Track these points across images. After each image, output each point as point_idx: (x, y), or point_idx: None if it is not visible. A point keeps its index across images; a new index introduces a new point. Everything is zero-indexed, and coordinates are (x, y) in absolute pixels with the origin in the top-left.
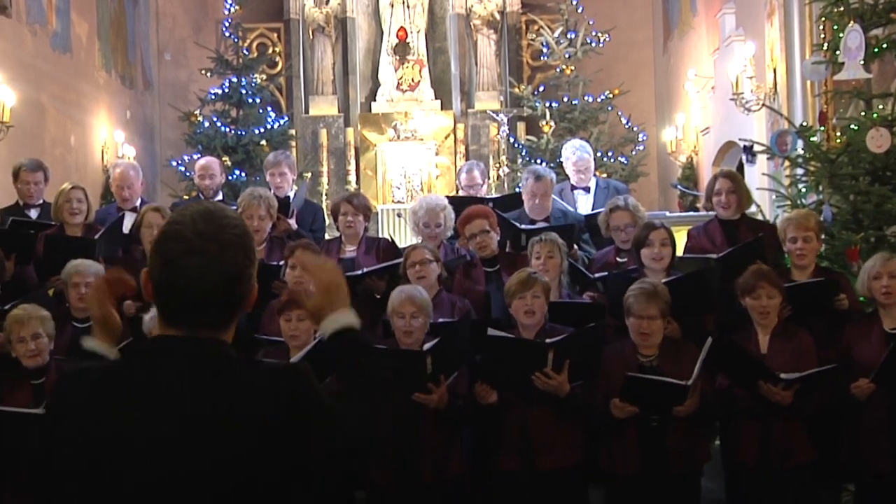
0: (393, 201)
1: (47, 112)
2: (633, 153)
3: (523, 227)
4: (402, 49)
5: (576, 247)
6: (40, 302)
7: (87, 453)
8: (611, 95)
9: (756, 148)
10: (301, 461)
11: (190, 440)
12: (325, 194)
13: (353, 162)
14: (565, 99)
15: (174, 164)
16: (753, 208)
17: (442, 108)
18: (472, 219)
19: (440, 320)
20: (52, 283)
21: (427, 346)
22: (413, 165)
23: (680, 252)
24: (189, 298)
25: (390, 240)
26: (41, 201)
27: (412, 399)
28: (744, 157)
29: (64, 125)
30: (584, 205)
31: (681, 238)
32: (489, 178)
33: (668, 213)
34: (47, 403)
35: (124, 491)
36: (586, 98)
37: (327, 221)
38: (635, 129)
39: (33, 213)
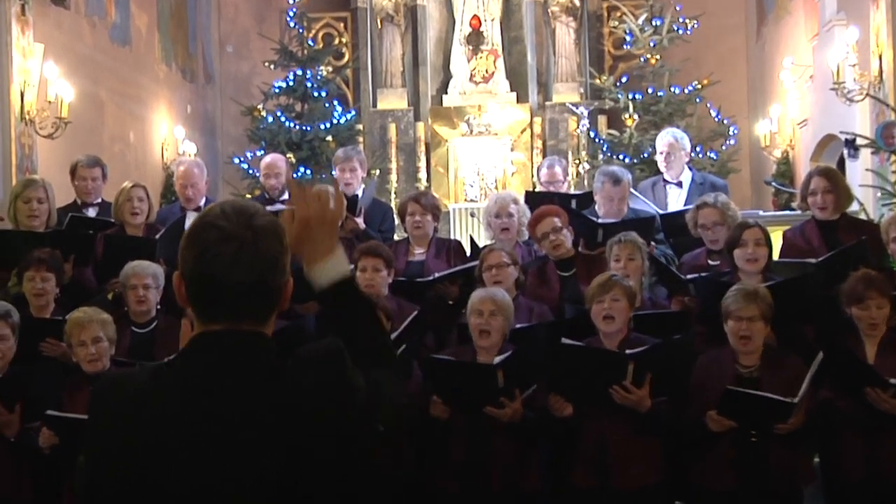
0: (465, 200)
1: (106, 107)
2: (724, 148)
3: (600, 221)
4: (475, 38)
5: (652, 243)
6: (100, 306)
7: (133, 460)
8: (699, 86)
9: (859, 141)
10: (347, 451)
11: (237, 438)
12: (394, 192)
13: (423, 158)
14: (650, 90)
15: (237, 161)
16: (855, 206)
17: (518, 101)
18: (542, 218)
19: (517, 326)
20: (111, 287)
21: (498, 359)
22: (487, 162)
23: (775, 255)
24: (225, 288)
25: (471, 240)
26: (99, 200)
27: (483, 412)
28: (845, 152)
29: (123, 121)
30: (675, 201)
31: (776, 239)
32: (568, 175)
33: (761, 213)
34: (89, 416)
35: (172, 496)
36: (672, 89)
37: (396, 221)
38: (726, 122)
39: (91, 213)
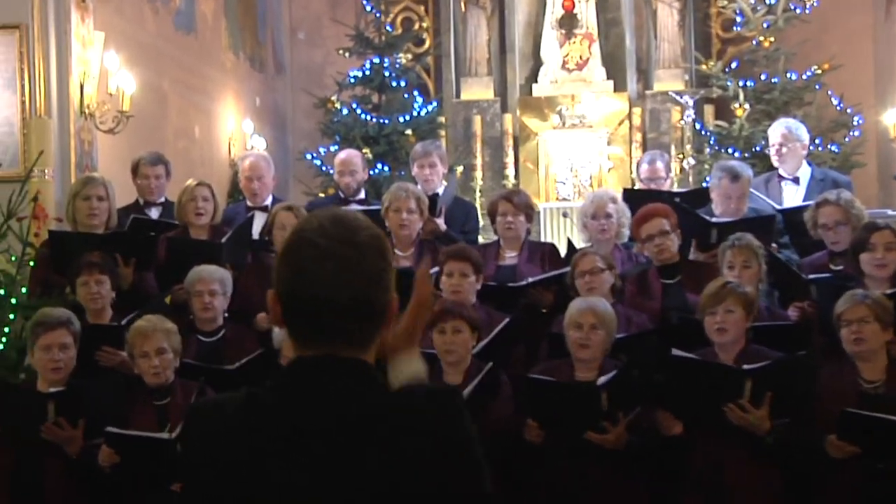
0: (557, 199)
1: (169, 99)
2: (847, 140)
3: (714, 220)
4: (568, 21)
5: (774, 245)
6: (160, 312)
7: (225, 493)
8: (819, 71)
9: None
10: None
11: (337, 472)
12: (479, 191)
13: (511, 153)
14: (763, 77)
15: (309, 157)
16: None
17: (615, 90)
18: (648, 218)
19: (617, 336)
20: (174, 292)
21: (602, 379)
22: (581, 157)
23: None
24: (324, 310)
25: (569, 243)
26: (163, 199)
27: (583, 437)
28: None
29: (187, 114)
30: (791, 199)
31: None
32: (671, 172)
33: (890, 212)
34: (182, 440)
35: None
36: (789, 75)
37: (481, 222)
38: (849, 111)
39: (154, 213)
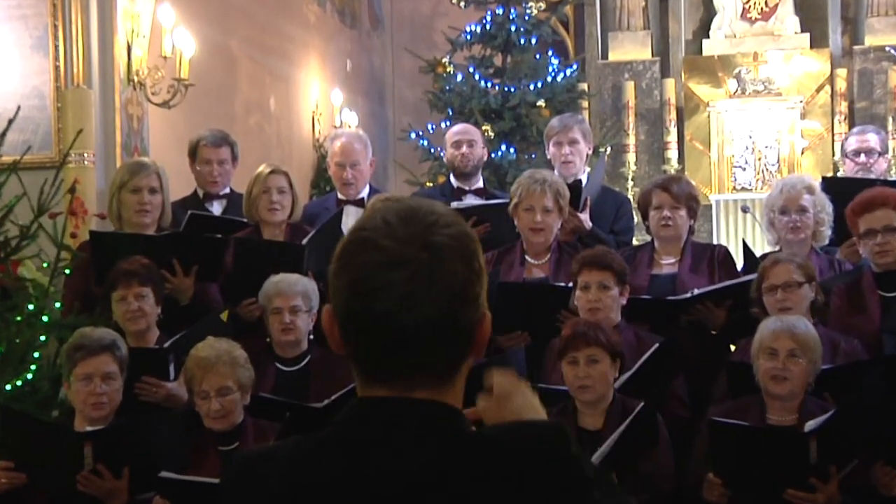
0: (734, 189)
1: (238, 65)
2: None
3: None
4: None
5: None
6: (216, 332)
7: None
8: None
9: None
10: None
11: None
12: (632, 178)
13: (673, 130)
14: None
15: (413, 136)
16: None
17: (812, 46)
18: (871, 207)
19: (822, 367)
20: (240, 308)
21: (812, 424)
22: (766, 134)
23: None
24: (393, 334)
25: (745, 246)
26: (228, 190)
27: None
28: None
29: (261, 82)
30: None
31: None
32: (890, 152)
33: None
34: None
35: None
36: None
37: (635, 219)
38: None
39: (216, 208)
